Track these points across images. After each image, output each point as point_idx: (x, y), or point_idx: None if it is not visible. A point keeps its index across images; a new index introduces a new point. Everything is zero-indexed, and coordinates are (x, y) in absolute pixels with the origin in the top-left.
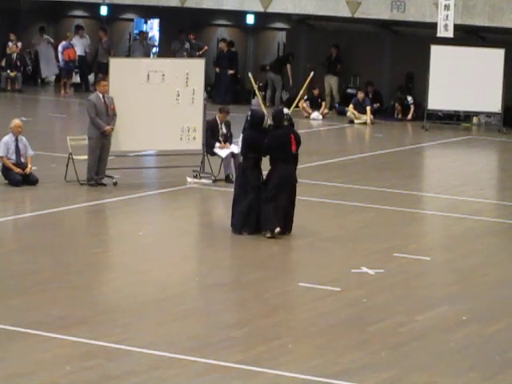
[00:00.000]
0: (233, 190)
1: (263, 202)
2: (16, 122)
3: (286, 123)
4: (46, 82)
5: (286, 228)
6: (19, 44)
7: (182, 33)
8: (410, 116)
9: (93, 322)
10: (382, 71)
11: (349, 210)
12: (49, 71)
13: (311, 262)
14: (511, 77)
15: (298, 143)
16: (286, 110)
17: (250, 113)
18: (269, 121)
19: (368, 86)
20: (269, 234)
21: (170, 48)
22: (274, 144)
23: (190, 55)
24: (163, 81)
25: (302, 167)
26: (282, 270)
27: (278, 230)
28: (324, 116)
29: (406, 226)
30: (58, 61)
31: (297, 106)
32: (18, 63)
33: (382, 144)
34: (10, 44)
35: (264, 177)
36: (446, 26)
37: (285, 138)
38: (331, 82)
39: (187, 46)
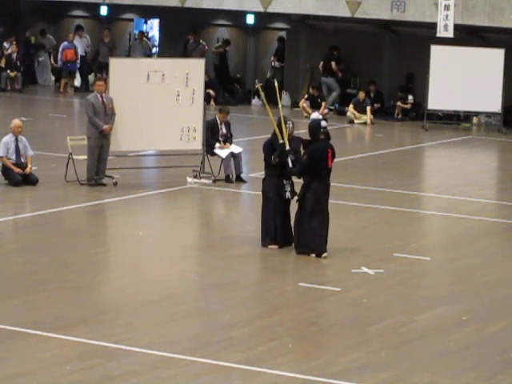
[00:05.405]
0: (232, 190)
1: (300, 222)
2: (16, 122)
3: (322, 136)
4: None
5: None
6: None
7: (196, 32)
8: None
9: (93, 321)
10: (382, 71)
11: (349, 210)
12: (42, 78)
13: (311, 262)
14: (511, 77)
15: (333, 158)
16: (323, 123)
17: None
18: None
19: (370, 85)
20: (314, 256)
21: (170, 48)
22: (314, 161)
23: (191, 55)
24: (163, 81)
25: None
26: (282, 270)
27: (325, 254)
28: (324, 116)
29: (406, 226)
30: (56, 62)
31: (297, 106)
32: (18, 63)
33: (381, 144)
34: (6, 45)
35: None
36: (445, 26)
37: (321, 153)
38: (331, 81)
39: (203, 43)
